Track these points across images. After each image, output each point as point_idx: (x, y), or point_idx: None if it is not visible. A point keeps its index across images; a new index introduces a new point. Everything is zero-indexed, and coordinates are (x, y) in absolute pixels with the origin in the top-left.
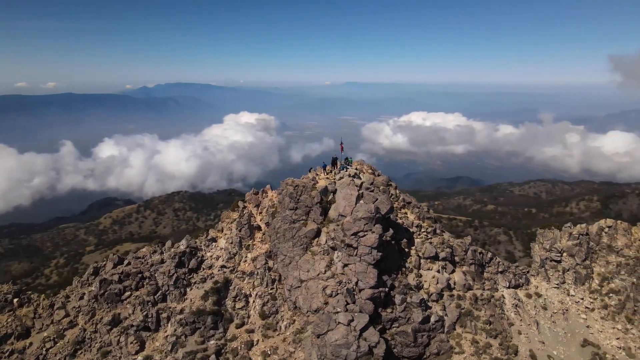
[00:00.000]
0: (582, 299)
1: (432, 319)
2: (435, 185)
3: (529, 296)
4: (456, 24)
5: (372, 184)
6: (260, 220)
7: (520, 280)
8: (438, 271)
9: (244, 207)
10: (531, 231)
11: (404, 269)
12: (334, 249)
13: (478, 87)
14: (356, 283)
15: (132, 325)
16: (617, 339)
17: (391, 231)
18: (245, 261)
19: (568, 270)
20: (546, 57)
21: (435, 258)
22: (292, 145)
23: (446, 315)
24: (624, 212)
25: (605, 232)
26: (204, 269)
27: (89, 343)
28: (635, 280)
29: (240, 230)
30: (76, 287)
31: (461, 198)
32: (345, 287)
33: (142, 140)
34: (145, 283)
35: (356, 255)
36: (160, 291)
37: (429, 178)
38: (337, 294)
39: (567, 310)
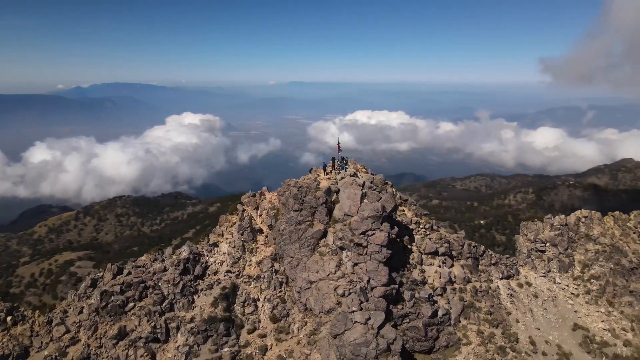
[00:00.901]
0: (567, 285)
1: (440, 313)
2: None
3: (520, 286)
4: (397, 25)
5: (372, 182)
6: (261, 223)
7: (512, 271)
8: (439, 266)
9: (244, 210)
10: (474, 224)
11: (408, 265)
12: (342, 248)
13: (419, 86)
14: (368, 281)
15: (140, 337)
16: (602, 321)
17: (396, 229)
18: (250, 265)
19: (552, 259)
20: (481, 58)
21: (435, 253)
22: (239, 145)
23: (451, 308)
24: (556, 203)
25: (582, 222)
26: (209, 275)
27: (94, 359)
28: (612, 266)
29: (242, 234)
30: (73, 301)
31: (407, 194)
32: (359, 286)
33: (77, 143)
34: (148, 293)
35: (366, 254)
36: (167, 300)
37: None
38: (350, 293)
39: (555, 297)
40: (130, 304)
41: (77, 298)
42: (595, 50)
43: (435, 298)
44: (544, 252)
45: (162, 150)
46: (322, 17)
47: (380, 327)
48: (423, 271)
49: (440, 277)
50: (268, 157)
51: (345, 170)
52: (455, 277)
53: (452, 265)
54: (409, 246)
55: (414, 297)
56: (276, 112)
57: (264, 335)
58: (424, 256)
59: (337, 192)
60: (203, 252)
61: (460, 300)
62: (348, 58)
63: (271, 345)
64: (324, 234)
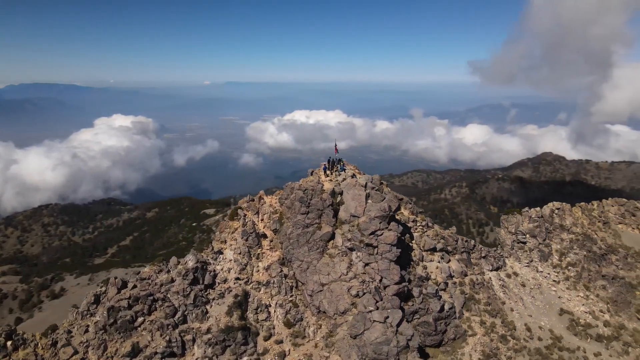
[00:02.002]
0: (549, 273)
1: (446, 307)
2: None
3: (508, 276)
4: (331, 26)
5: (372, 182)
6: (264, 228)
7: (500, 263)
8: (439, 262)
9: (245, 215)
10: None
11: (412, 263)
12: (351, 249)
13: (354, 86)
14: (380, 280)
15: (155, 353)
16: (583, 305)
17: (401, 227)
18: (258, 271)
19: (533, 249)
20: (414, 59)
21: (433, 250)
22: (174, 148)
23: (454, 301)
24: (487, 195)
25: (556, 214)
26: (219, 284)
27: None
28: (585, 253)
29: (246, 240)
30: (76, 320)
31: None
32: (374, 286)
33: None
34: (158, 306)
35: (377, 253)
36: (179, 312)
37: None
38: (364, 293)
39: (540, 285)
40: (140, 319)
41: (80, 316)
42: (517, 53)
43: (439, 293)
44: (525, 243)
45: (91, 155)
46: (256, 16)
47: (399, 324)
48: (425, 267)
49: (441, 273)
50: (206, 160)
51: (344, 172)
52: (453, 272)
53: (449, 261)
54: (409, 244)
55: (421, 293)
56: (212, 113)
57: (281, 341)
58: (424, 253)
59: (341, 193)
60: (209, 260)
61: (461, 294)
62: (284, 58)
63: (289, 350)
64: (332, 236)
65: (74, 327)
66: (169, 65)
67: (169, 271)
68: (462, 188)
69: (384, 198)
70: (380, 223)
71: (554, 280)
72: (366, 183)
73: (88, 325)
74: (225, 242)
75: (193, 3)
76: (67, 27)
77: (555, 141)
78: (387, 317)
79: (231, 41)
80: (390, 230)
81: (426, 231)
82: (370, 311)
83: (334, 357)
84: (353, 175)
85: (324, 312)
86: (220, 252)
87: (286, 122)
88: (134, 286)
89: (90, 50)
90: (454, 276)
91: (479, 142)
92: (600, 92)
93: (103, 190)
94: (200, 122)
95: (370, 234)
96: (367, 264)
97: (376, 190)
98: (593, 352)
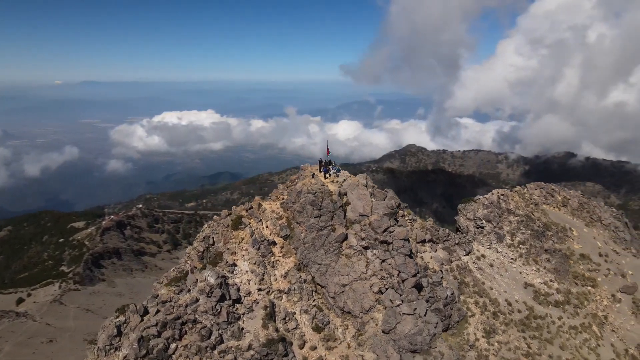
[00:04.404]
0: (507, 253)
1: (448, 293)
2: (197, 184)
3: (479, 259)
4: (195, 21)
5: (369, 181)
6: (271, 234)
7: (469, 248)
8: (430, 252)
9: (249, 224)
10: None
11: (412, 255)
12: (366, 248)
13: (225, 85)
14: (398, 274)
15: None
16: (538, 277)
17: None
18: (276, 279)
19: (490, 233)
20: (285, 57)
21: (423, 241)
22: (24, 156)
23: (451, 287)
24: None
25: (502, 199)
26: (244, 297)
27: None
28: (530, 231)
29: (258, 249)
30: (99, 357)
31: (228, 193)
32: (395, 280)
33: None
34: (188, 329)
35: (392, 249)
36: (214, 332)
37: (189, 177)
38: (387, 289)
39: (503, 264)
40: (172, 346)
41: (104, 353)
42: (382, 56)
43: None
44: (483, 227)
45: None
46: (112, 8)
47: (425, 314)
48: (422, 258)
49: (435, 262)
50: (64, 168)
51: (340, 172)
52: (442, 260)
53: (437, 250)
54: None
55: (429, 282)
56: (68, 116)
57: (315, 347)
58: (417, 245)
59: (345, 194)
60: (226, 274)
61: (454, 279)
62: (146, 56)
63: (325, 355)
64: (345, 237)
65: None
66: (8, 62)
67: (189, 290)
68: None
69: (387, 196)
70: (389, 220)
71: (512, 259)
72: (367, 182)
73: None
74: (235, 253)
75: None
76: None
77: (417, 134)
78: (415, 309)
79: (86, 36)
80: (401, 225)
81: (413, 224)
82: (399, 305)
83: (368, 355)
84: (348, 177)
85: (349, 312)
86: (234, 264)
87: (156, 124)
88: (157, 311)
89: None
90: (443, 264)
91: (350, 137)
92: (450, 90)
93: None
94: (54, 127)
95: (384, 231)
96: (383, 261)
97: (376, 189)
98: (557, 317)
